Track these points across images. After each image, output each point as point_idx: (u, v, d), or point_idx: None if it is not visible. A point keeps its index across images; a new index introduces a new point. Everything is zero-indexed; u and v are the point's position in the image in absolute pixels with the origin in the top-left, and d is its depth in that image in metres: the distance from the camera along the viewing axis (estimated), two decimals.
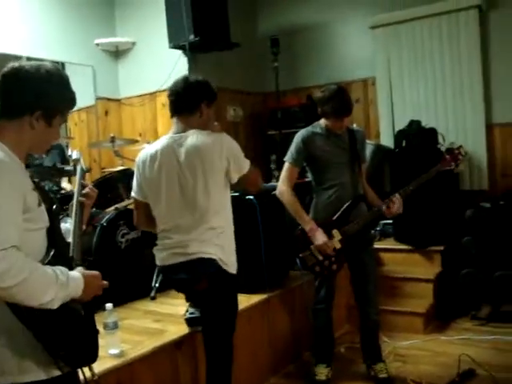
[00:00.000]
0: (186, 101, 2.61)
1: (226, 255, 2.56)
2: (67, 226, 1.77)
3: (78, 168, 1.93)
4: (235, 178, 2.61)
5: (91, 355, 1.65)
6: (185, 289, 2.76)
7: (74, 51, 5.18)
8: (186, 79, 2.67)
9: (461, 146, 3.33)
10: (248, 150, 5.96)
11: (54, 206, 1.67)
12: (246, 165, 2.63)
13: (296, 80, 6.02)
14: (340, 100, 3.17)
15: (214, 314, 2.59)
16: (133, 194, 2.73)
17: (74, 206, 1.81)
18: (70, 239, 1.70)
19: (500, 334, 4.00)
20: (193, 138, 2.58)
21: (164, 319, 3.23)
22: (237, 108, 5.82)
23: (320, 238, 3.18)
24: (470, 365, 3.42)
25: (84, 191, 1.87)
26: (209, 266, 2.51)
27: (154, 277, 3.62)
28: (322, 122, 3.32)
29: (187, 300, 2.96)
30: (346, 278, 3.53)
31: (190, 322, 2.92)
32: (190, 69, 5.20)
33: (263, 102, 6.26)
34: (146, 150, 2.69)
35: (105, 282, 1.68)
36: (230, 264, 2.58)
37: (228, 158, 2.56)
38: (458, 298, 4.50)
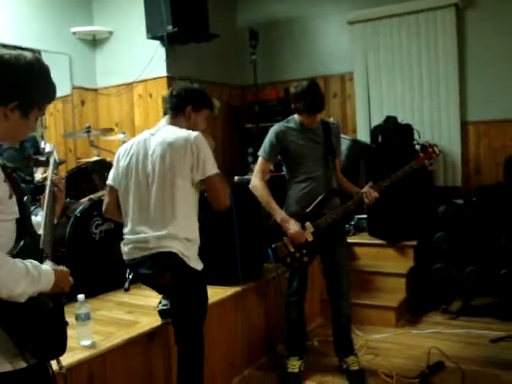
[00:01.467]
0: (172, 102, 2.71)
1: (189, 250, 2.55)
2: (38, 219, 1.75)
3: (51, 160, 1.91)
4: (196, 178, 2.55)
5: (59, 348, 1.64)
6: (149, 283, 2.76)
7: (51, 39, 5.12)
8: (181, 84, 2.78)
9: (435, 144, 3.33)
10: (225, 143, 6.05)
11: (25, 198, 1.65)
12: (210, 168, 2.55)
13: (274, 73, 6.03)
14: (312, 97, 3.18)
15: (181, 307, 2.59)
16: (108, 181, 2.76)
17: (46, 197, 1.79)
18: (40, 231, 1.68)
19: (470, 328, 4.08)
20: (165, 132, 2.63)
21: (137, 311, 3.22)
22: (214, 100, 5.79)
23: (292, 227, 3.19)
24: (439, 357, 3.48)
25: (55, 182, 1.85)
26: (170, 259, 2.50)
27: (128, 268, 3.60)
28: (297, 116, 3.33)
29: (160, 293, 2.96)
30: (320, 271, 3.55)
31: (162, 313, 2.91)
32: (168, 60, 5.19)
33: (241, 95, 6.26)
34: (127, 143, 2.78)
35: (71, 279, 1.67)
36: (193, 259, 2.57)
37: (194, 153, 2.52)
38: (429, 293, 4.57)
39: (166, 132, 2.63)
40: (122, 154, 2.71)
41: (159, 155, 2.55)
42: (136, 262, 2.60)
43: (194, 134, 2.57)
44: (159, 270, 2.55)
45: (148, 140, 2.64)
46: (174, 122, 2.70)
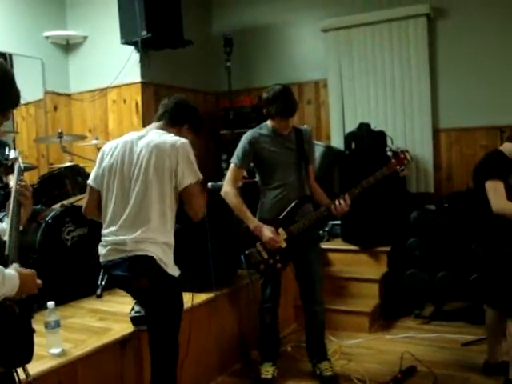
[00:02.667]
0: (172, 113, 2.75)
1: (166, 255, 2.55)
2: (3, 225, 1.73)
3: (16, 167, 1.89)
4: (176, 185, 2.57)
5: (26, 355, 1.62)
6: (124, 286, 2.73)
7: (23, 43, 5.06)
8: (179, 96, 2.85)
9: (407, 151, 3.36)
10: (200, 150, 5.92)
11: None
12: (189, 178, 2.57)
13: (249, 80, 6.05)
14: (284, 101, 3.19)
15: (157, 313, 2.57)
16: (89, 181, 2.73)
17: (12, 204, 1.77)
18: (5, 238, 1.66)
19: (442, 332, 4.13)
20: (154, 134, 2.65)
21: (109, 318, 3.18)
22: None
23: (266, 233, 3.20)
24: (412, 362, 3.52)
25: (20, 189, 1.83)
26: (147, 264, 2.49)
27: (100, 275, 3.56)
28: (269, 122, 3.34)
29: (134, 298, 2.93)
30: (294, 277, 3.55)
31: (134, 320, 2.88)
32: (142, 65, 5.17)
33: (215, 102, 6.27)
34: (111, 142, 2.77)
35: (39, 281, 1.65)
36: (170, 265, 2.56)
37: (178, 159, 2.55)
38: (402, 298, 4.61)
39: (153, 135, 2.65)
40: (105, 153, 2.69)
41: (144, 157, 2.56)
42: (112, 263, 2.57)
43: (181, 140, 2.61)
44: (135, 273, 2.52)
45: (135, 141, 2.64)
46: (165, 129, 2.72)
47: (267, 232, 3.20)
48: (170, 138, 2.62)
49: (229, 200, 3.31)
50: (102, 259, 2.64)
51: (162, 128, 2.73)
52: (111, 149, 2.68)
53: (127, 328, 2.90)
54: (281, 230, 3.24)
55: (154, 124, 2.77)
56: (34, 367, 1.83)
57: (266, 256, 3.25)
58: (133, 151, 2.61)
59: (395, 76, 5.35)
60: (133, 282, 2.56)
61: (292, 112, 3.23)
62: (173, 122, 2.75)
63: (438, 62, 5.24)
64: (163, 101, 2.83)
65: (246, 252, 3.27)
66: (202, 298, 3.43)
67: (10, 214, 1.73)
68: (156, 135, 2.64)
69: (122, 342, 2.81)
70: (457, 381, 3.32)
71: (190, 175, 2.57)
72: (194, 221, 2.67)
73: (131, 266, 2.50)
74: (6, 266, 1.56)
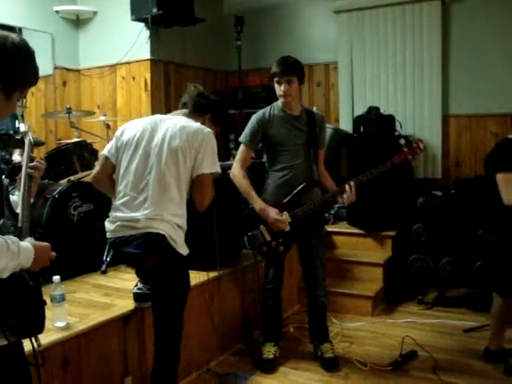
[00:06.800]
0: (198, 101, 2.81)
1: (177, 235, 2.55)
2: (14, 198, 1.74)
3: (27, 141, 1.90)
4: (195, 171, 2.60)
5: (38, 325, 1.64)
6: (134, 263, 2.73)
7: (33, 17, 5.03)
8: (210, 94, 2.94)
9: (420, 140, 3.30)
10: None
11: (3, 177, 1.64)
12: (206, 167, 2.60)
13: (259, 60, 6.00)
14: (279, 61, 3.23)
15: (163, 291, 2.57)
16: (104, 151, 2.72)
17: (23, 178, 1.77)
18: (18, 210, 1.67)
19: (444, 318, 4.15)
20: (180, 118, 2.70)
21: (113, 293, 3.21)
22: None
23: (272, 215, 3.18)
24: (413, 347, 3.54)
25: (32, 164, 1.83)
26: (159, 242, 2.50)
27: (106, 251, 3.57)
28: (280, 102, 3.31)
29: (140, 276, 2.95)
30: (299, 259, 3.57)
31: (136, 297, 2.90)
32: (152, 43, 5.14)
33: (225, 81, 6.24)
34: (134, 120, 2.81)
35: (53, 254, 1.66)
36: (180, 244, 2.57)
37: (201, 146, 2.58)
38: (406, 283, 4.62)
39: (180, 119, 2.70)
40: (126, 128, 2.70)
41: (167, 137, 2.59)
42: (121, 240, 2.56)
43: (207, 129, 2.67)
44: (147, 250, 2.52)
45: (159, 121, 2.68)
46: (190, 117, 2.76)
47: (273, 214, 3.19)
48: (196, 124, 2.67)
49: (236, 182, 3.30)
50: (109, 235, 2.64)
51: (187, 115, 2.76)
52: (133, 125, 2.70)
53: (131, 304, 2.92)
54: (285, 214, 3.22)
55: (179, 110, 2.81)
56: (40, 339, 1.86)
57: (268, 238, 3.24)
58: (156, 130, 2.63)
59: (406, 60, 5.29)
60: (143, 260, 2.56)
61: (284, 69, 3.21)
62: (196, 110, 2.80)
63: (450, 47, 5.17)
64: (188, 88, 2.90)
65: (249, 234, 3.26)
66: (206, 276, 3.43)
67: (21, 188, 1.74)
68: (183, 119, 2.69)
69: (126, 318, 2.84)
70: (457, 366, 3.34)
71: (208, 165, 2.60)
72: (197, 210, 2.67)
73: (143, 243, 2.50)
74: (20, 237, 1.58)
